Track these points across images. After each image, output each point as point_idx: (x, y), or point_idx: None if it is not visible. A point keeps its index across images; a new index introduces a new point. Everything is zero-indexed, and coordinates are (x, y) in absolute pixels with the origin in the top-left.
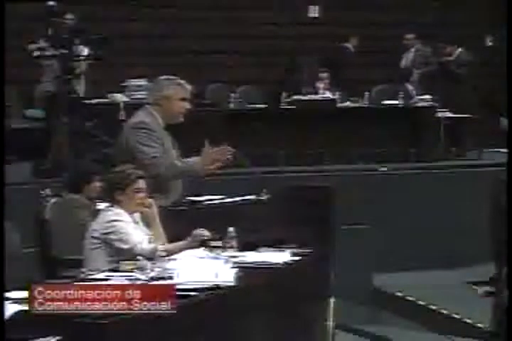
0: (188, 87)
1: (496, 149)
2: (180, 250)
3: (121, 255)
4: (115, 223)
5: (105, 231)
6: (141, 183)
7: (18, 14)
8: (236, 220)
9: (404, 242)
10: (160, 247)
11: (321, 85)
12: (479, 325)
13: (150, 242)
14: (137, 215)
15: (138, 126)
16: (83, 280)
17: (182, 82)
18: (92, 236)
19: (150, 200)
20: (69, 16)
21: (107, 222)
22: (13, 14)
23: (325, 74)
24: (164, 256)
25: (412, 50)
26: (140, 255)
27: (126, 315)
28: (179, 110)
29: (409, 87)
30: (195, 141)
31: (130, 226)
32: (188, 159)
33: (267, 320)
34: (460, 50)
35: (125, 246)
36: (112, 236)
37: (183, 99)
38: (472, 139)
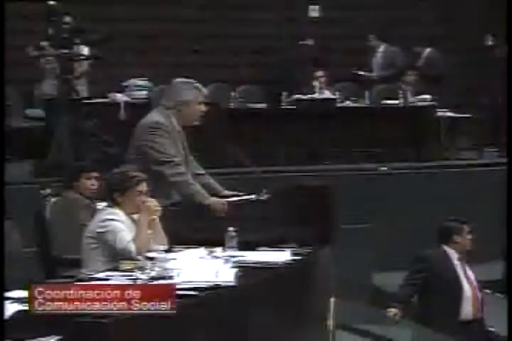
0: (204, 89)
1: (496, 149)
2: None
3: (117, 255)
4: (110, 222)
5: (100, 230)
6: (143, 186)
7: (18, 14)
8: (236, 220)
9: (405, 242)
10: (161, 247)
11: (317, 84)
12: None
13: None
14: (136, 215)
15: (154, 125)
16: (83, 280)
17: (199, 85)
18: (89, 236)
19: (154, 202)
20: (67, 19)
21: (102, 221)
22: (13, 14)
23: (320, 73)
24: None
25: (379, 50)
26: (129, 256)
27: (126, 315)
28: (197, 114)
29: (405, 87)
30: (195, 140)
31: (125, 227)
32: (205, 192)
33: (267, 320)
34: (429, 50)
35: (119, 246)
36: (107, 236)
37: (201, 103)
38: (472, 139)
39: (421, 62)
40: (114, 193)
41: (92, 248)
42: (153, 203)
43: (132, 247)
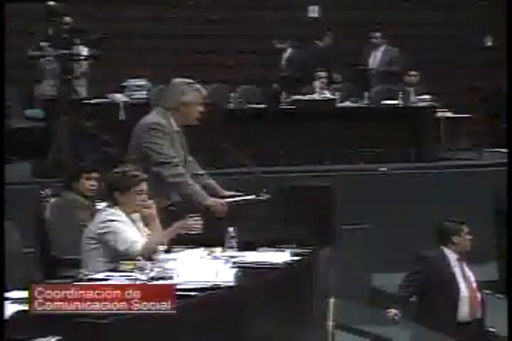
0: (204, 90)
1: (496, 149)
2: (169, 236)
3: (118, 255)
4: (111, 223)
5: (101, 231)
6: (144, 185)
7: (18, 14)
8: (236, 220)
9: (404, 242)
10: (161, 247)
11: (317, 84)
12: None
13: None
14: (136, 215)
15: (153, 126)
16: (83, 280)
17: (199, 86)
18: (89, 237)
19: (150, 201)
20: (67, 19)
21: (102, 221)
22: (13, 14)
23: (322, 73)
24: (161, 252)
25: (381, 49)
26: (133, 256)
27: (126, 315)
28: (196, 114)
29: (406, 88)
30: (195, 140)
31: (126, 227)
32: (204, 193)
33: (267, 320)
34: (290, 50)
35: (121, 247)
36: (108, 237)
37: (200, 103)
38: (472, 139)
39: (284, 64)
40: (115, 192)
41: (93, 248)
42: (147, 201)
43: (137, 247)
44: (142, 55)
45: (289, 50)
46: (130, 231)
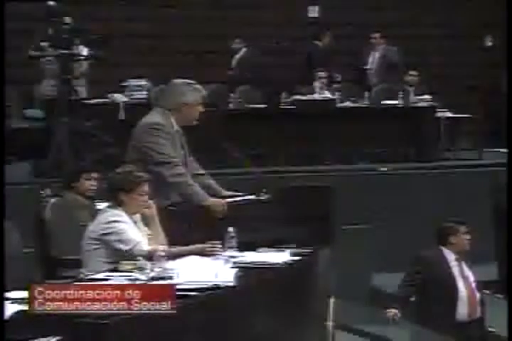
0: (203, 90)
1: (496, 149)
2: (183, 255)
3: (120, 256)
4: (115, 224)
5: (104, 232)
6: (146, 186)
7: (18, 14)
8: (236, 220)
9: (404, 242)
10: (161, 248)
11: (317, 84)
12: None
13: (149, 243)
14: (137, 216)
15: (153, 126)
16: (83, 280)
17: (199, 87)
18: (90, 237)
19: (150, 201)
20: (67, 19)
21: (106, 223)
22: (13, 14)
23: (322, 74)
24: (163, 256)
25: (381, 49)
26: (139, 256)
27: (126, 315)
28: (196, 115)
29: (407, 87)
30: (195, 141)
31: (129, 227)
32: (204, 193)
33: (267, 320)
34: (245, 49)
35: (125, 247)
36: (112, 237)
37: (200, 104)
38: (472, 139)
39: (234, 63)
40: (119, 192)
41: (94, 248)
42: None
43: (141, 247)
44: (142, 55)
45: (244, 49)
46: (133, 231)
